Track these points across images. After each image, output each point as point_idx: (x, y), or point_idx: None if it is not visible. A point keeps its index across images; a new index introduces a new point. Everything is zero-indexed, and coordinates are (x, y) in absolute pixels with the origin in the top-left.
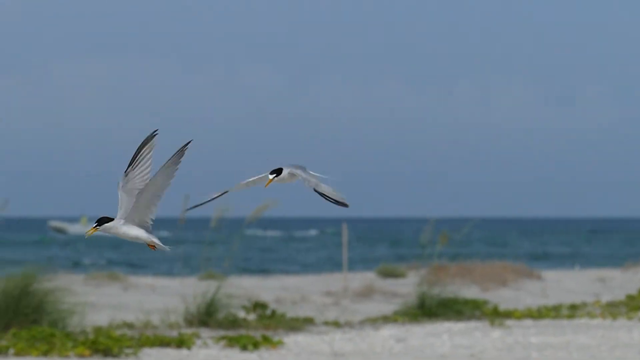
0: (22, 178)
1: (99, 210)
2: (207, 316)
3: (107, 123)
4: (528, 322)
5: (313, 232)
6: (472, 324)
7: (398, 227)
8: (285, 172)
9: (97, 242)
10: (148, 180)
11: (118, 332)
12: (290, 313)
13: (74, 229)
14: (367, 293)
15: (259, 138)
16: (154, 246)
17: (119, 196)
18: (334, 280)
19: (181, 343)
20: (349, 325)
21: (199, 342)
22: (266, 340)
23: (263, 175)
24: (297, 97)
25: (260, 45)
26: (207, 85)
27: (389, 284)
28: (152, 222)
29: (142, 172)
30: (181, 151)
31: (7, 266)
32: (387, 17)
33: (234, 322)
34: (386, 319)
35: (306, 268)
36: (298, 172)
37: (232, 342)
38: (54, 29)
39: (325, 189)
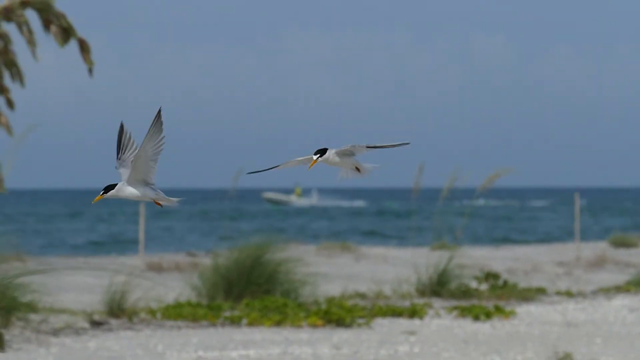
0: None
1: (311, 180)
2: (439, 286)
3: (333, 96)
4: None
5: (545, 202)
6: None
7: (632, 197)
8: (329, 153)
9: (328, 214)
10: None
11: (350, 303)
12: (522, 283)
13: (291, 200)
14: (599, 263)
15: (487, 109)
16: (160, 203)
17: (120, 173)
18: (566, 250)
19: (413, 313)
20: (582, 295)
21: (431, 312)
22: (498, 310)
23: (308, 157)
24: (526, 69)
25: (492, 16)
26: (437, 57)
27: (622, 253)
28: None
29: (131, 151)
30: (158, 119)
31: (241, 237)
32: None
33: (465, 292)
34: (619, 289)
35: (538, 238)
36: (339, 158)
37: (464, 312)
38: (289, 1)
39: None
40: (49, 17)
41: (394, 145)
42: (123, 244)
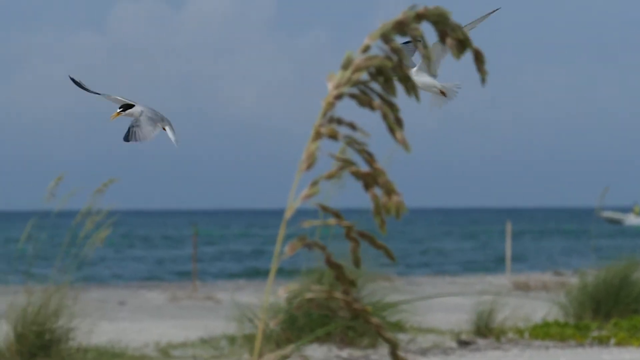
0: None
1: None
2: None
3: None
4: None
5: None
6: None
7: None
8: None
9: None
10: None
11: None
12: None
13: (630, 219)
14: None
15: None
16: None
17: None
18: None
19: None
20: None
21: None
22: None
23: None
24: None
25: None
26: None
27: None
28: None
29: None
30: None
31: (607, 255)
32: None
33: None
34: None
35: None
36: (421, 82)
37: None
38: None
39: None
40: (444, 29)
41: (484, 18)
42: (490, 263)
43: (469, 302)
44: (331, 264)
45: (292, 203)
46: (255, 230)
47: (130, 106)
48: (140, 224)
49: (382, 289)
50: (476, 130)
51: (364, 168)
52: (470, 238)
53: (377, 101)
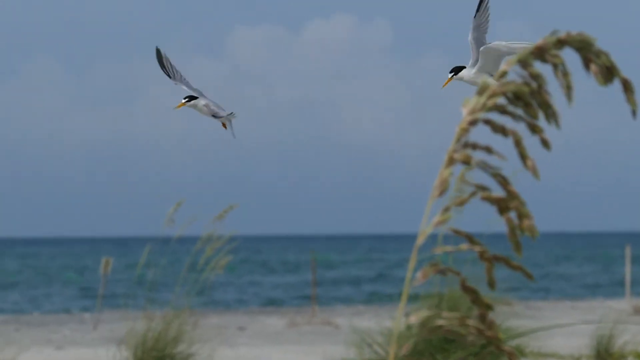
0: None
1: None
2: None
3: None
4: None
5: None
6: None
7: None
8: (467, 72)
9: None
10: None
11: None
12: None
13: None
14: None
15: None
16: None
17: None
18: None
19: None
20: None
21: None
22: None
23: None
24: None
25: None
26: None
27: None
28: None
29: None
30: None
31: None
32: None
33: None
34: None
35: None
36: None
37: None
38: None
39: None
40: (588, 56)
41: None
42: (611, 287)
43: (589, 327)
44: (466, 288)
45: (424, 229)
46: (373, 255)
47: (195, 97)
48: (259, 249)
49: (502, 313)
50: (596, 153)
51: (495, 193)
52: (591, 262)
53: (510, 128)
